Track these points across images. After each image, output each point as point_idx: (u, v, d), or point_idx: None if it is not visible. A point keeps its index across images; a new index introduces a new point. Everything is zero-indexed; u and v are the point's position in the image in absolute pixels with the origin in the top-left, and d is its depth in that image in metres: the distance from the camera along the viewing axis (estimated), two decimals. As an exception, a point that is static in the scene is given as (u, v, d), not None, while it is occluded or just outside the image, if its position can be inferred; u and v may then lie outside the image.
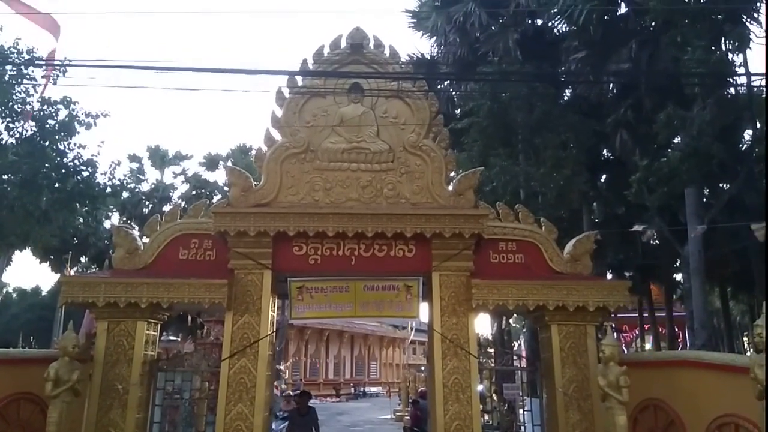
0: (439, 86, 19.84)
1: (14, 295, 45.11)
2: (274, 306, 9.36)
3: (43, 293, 42.56)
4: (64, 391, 7.19)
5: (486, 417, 11.37)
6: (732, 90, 14.42)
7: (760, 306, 6.08)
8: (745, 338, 37.84)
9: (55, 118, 16.94)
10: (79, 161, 17.45)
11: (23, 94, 16.47)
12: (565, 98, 18.37)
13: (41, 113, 16.67)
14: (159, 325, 9.20)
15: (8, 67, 15.98)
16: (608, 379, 7.22)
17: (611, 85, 16.94)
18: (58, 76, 16.22)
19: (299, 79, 9.49)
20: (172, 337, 28.42)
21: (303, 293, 8.94)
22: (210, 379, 10.58)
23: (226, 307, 8.50)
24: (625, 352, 22.73)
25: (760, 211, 12.05)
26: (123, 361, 8.29)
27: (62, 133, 16.95)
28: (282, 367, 28.51)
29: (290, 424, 10.42)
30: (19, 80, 16.06)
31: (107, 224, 28.67)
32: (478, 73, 15.11)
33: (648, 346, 27.66)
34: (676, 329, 24.57)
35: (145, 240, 9.15)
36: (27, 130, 16.59)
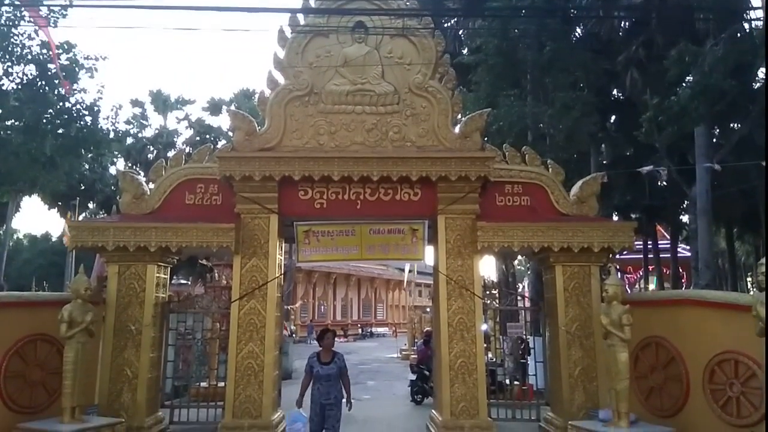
0: (445, 24, 19.25)
1: (25, 242, 45.74)
2: (282, 249, 9.47)
3: (53, 239, 43.10)
4: (78, 332, 7.39)
5: (490, 354, 11.65)
6: (746, 26, 13.95)
7: (766, 246, 6.09)
8: (749, 279, 38.17)
9: (57, 61, 16.63)
10: (81, 106, 17.28)
11: (23, 38, 16.14)
12: (576, 35, 17.82)
13: (41, 57, 16.37)
14: (169, 268, 9.37)
15: (5, 9, 15.59)
16: (611, 317, 7.34)
17: (623, 21, 16.38)
18: (57, 18, 15.91)
19: (301, 17, 9.24)
20: (182, 281, 28.98)
21: (310, 237, 9.02)
22: (221, 320, 10.86)
23: (234, 251, 8.61)
24: (629, 292, 23.00)
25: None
26: (135, 303, 8.49)
27: (64, 77, 16.69)
28: (291, 308, 29.16)
29: (308, 375, 6.83)
30: (17, 23, 15.71)
31: (113, 170, 28.70)
32: (486, 8, 14.57)
33: (652, 286, 27.96)
34: (681, 270, 24.73)
35: (151, 185, 9.18)
36: (27, 75, 16.35)
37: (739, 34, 13.39)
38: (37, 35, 16.21)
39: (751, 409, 6.52)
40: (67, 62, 16.82)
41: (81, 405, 7.45)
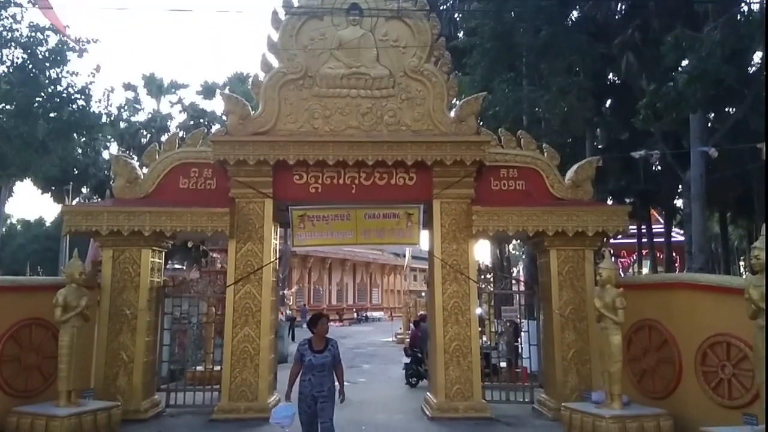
0: (441, 7, 19.08)
1: (19, 227, 45.52)
2: (277, 234, 9.46)
3: (47, 224, 42.93)
4: (73, 316, 7.39)
5: (484, 338, 11.72)
6: (745, 9, 13.87)
7: (759, 230, 6.11)
8: (741, 263, 38.44)
9: (46, 44, 16.44)
10: (72, 89, 17.11)
11: (10, 20, 15.92)
12: (572, 19, 17.70)
13: (30, 40, 16.16)
14: (163, 253, 9.35)
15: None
16: (604, 300, 7.38)
17: (619, 4, 16.28)
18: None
19: (295, -1, 9.14)
20: (177, 266, 28.93)
21: (304, 221, 9.02)
22: (216, 305, 10.87)
23: (229, 235, 8.60)
24: (622, 276, 23.10)
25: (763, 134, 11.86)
26: (130, 288, 8.49)
27: (54, 60, 16.50)
28: (287, 293, 29.21)
29: (297, 364, 5.94)
30: (5, 6, 15.50)
31: (106, 155, 28.50)
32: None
33: (645, 270, 28.13)
34: (674, 254, 24.88)
35: (145, 170, 9.13)
36: (18, 58, 16.16)
37: (738, 17, 13.29)
38: (23, 18, 16.03)
39: (742, 391, 6.60)
40: (57, 45, 16.62)
41: (77, 389, 7.47)
